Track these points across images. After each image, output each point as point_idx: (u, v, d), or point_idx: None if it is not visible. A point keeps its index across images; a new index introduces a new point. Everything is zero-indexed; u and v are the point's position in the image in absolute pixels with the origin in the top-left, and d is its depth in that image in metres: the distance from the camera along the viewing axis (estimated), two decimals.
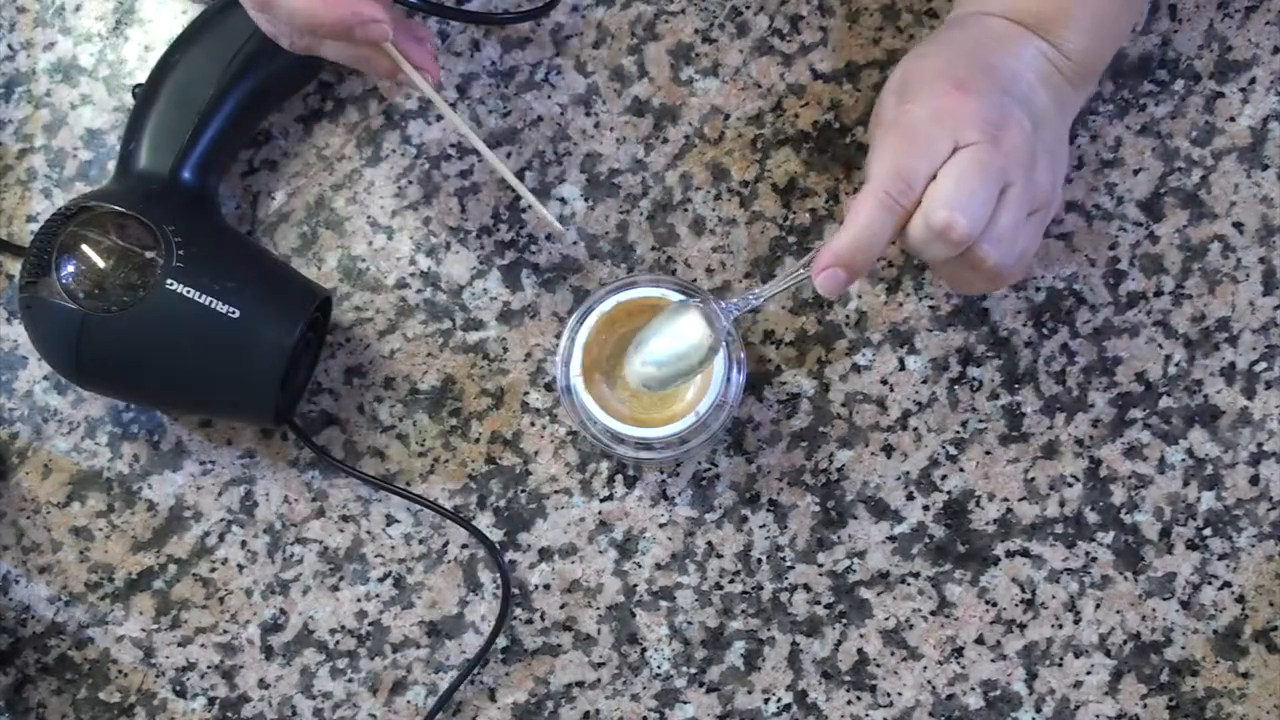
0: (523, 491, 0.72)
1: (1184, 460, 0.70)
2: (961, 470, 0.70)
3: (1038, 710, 0.70)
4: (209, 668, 0.72)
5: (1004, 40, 0.63)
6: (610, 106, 0.73)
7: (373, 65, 0.63)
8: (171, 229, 0.66)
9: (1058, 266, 0.71)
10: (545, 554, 0.71)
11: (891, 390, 0.71)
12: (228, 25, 0.69)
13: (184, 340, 0.65)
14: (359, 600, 0.72)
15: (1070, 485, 0.70)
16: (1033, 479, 0.70)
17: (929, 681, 0.70)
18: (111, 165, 0.73)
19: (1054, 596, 0.70)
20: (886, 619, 0.70)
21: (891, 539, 0.70)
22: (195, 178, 0.69)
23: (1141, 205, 0.71)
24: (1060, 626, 0.70)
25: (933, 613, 0.70)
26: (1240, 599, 0.69)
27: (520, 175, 0.72)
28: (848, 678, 0.70)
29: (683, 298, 0.66)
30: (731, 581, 0.71)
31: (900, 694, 0.70)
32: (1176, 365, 0.70)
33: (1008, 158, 0.59)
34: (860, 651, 0.70)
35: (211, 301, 0.65)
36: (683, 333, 0.64)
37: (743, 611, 0.71)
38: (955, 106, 0.59)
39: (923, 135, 0.59)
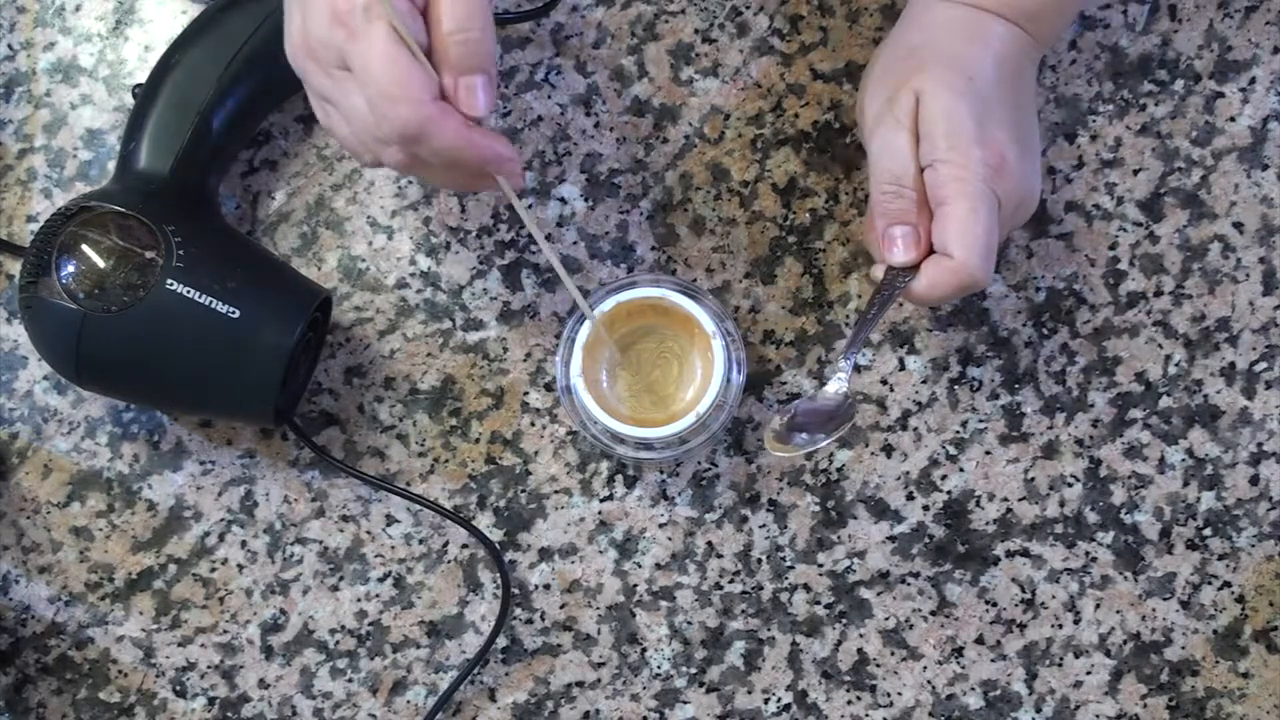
0: (523, 491, 0.71)
1: (1184, 460, 0.70)
2: (961, 470, 0.70)
3: (1038, 710, 0.70)
4: (209, 668, 0.72)
5: (970, 31, 0.63)
6: (610, 106, 0.73)
7: (465, 185, 0.67)
8: (171, 229, 0.66)
9: (1058, 266, 0.71)
10: (545, 554, 0.71)
11: (891, 390, 0.71)
12: (228, 25, 0.69)
13: (184, 340, 0.65)
14: (359, 600, 0.72)
15: (1070, 485, 0.70)
16: (1033, 479, 0.70)
17: (929, 681, 0.70)
18: (111, 165, 0.73)
19: (1054, 596, 0.70)
20: (886, 619, 0.70)
21: (891, 539, 0.70)
22: (195, 178, 0.69)
23: (1141, 205, 0.71)
24: (1060, 626, 0.70)
25: (933, 613, 0.70)
26: (1240, 599, 0.69)
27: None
28: (848, 678, 0.70)
29: (683, 296, 0.66)
30: (731, 581, 0.71)
31: (900, 694, 0.70)
32: (1176, 365, 0.70)
33: (1004, 192, 0.61)
34: (860, 651, 0.70)
35: (211, 301, 0.65)
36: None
37: (743, 611, 0.71)
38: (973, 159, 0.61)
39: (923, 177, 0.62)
